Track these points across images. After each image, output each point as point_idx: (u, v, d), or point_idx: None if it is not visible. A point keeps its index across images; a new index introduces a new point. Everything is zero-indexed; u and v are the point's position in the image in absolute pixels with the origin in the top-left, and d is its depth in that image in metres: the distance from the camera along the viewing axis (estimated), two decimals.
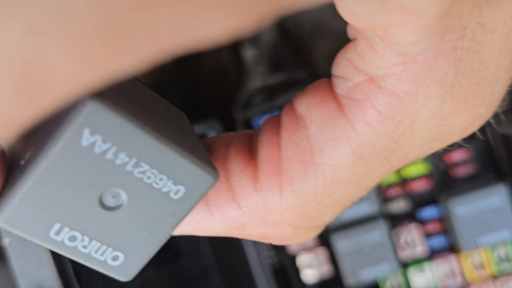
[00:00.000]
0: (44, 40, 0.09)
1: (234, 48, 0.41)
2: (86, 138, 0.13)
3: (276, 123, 0.17)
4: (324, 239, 0.35)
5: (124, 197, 0.15)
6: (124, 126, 0.14)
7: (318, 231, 0.18)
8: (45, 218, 0.14)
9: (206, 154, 0.16)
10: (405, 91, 0.15)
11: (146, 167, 0.14)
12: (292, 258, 0.36)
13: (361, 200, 0.34)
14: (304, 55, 0.44)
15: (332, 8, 0.42)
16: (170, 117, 0.17)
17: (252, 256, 0.35)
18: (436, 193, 0.35)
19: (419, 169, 0.35)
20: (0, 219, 0.14)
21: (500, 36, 0.15)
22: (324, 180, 0.16)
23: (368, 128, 0.15)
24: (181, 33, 0.10)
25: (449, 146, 0.17)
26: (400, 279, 0.35)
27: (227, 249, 0.36)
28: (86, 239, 0.15)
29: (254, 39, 0.43)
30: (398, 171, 0.35)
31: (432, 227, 0.35)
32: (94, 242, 0.15)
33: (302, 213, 0.16)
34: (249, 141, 0.18)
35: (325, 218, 0.17)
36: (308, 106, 0.16)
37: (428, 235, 0.35)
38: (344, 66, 0.16)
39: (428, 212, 0.35)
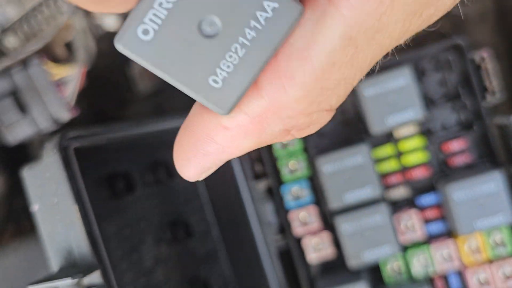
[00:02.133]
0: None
1: None
2: None
3: None
4: (329, 222, 0.37)
5: (219, 24, 0.17)
6: None
7: (330, 113, 0.20)
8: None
9: None
10: None
11: None
12: (298, 241, 0.37)
13: (364, 184, 0.36)
14: None
15: None
16: None
17: (259, 238, 0.36)
18: (435, 180, 0.37)
19: (419, 157, 0.37)
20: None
21: None
22: (321, 66, 0.18)
23: (353, 10, 0.17)
24: None
25: (430, 26, 0.19)
26: (400, 261, 0.37)
27: (236, 232, 0.38)
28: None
29: None
30: (399, 160, 0.37)
31: (430, 213, 0.37)
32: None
33: (310, 101, 0.19)
34: None
35: (331, 101, 0.19)
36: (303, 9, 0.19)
37: (427, 220, 0.37)
38: None
39: (427, 198, 0.37)
